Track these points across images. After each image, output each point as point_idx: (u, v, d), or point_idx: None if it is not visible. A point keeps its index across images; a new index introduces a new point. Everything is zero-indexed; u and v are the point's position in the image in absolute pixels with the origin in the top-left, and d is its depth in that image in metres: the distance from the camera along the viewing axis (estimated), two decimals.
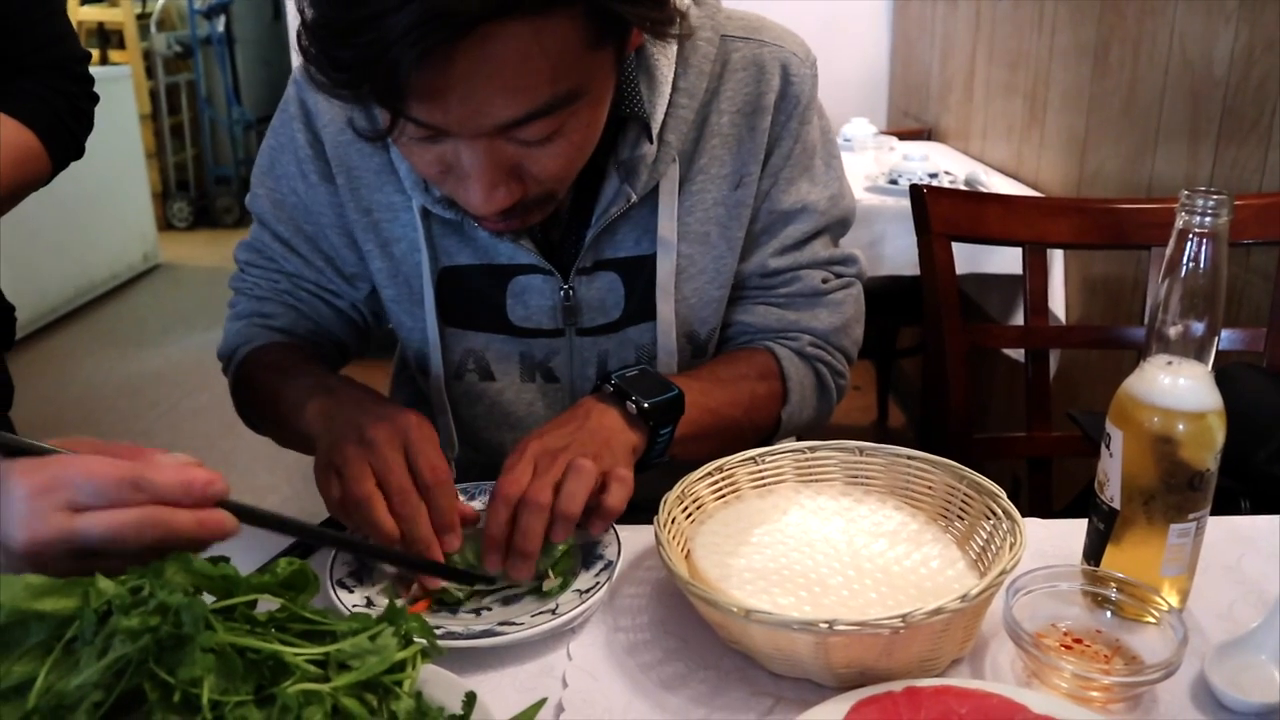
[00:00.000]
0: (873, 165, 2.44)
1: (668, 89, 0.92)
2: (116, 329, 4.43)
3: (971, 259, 2.11)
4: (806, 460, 0.86)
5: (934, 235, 1.30)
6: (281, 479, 3.00)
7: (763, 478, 0.85)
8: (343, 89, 0.69)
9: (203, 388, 3.61)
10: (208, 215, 6.16)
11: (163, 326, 4.37)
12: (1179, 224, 0.67)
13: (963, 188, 2.26)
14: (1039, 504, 1.41)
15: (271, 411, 0.98)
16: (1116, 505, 0.72)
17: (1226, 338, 1.35)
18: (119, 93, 5.06)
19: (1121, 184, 1.96)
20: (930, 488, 0.82)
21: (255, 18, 6.55)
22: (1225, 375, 1.12)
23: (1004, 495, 0.75)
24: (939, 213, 1.31)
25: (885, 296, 2.34)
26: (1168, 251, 0.68)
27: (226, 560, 0.57)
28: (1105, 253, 1.98)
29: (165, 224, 5.91)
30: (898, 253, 2.11)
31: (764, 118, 0.97)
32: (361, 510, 0.75)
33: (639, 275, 0.99)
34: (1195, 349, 0.69)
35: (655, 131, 0.91)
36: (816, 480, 0.86)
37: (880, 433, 3.24)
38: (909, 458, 0.83)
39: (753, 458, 0.85)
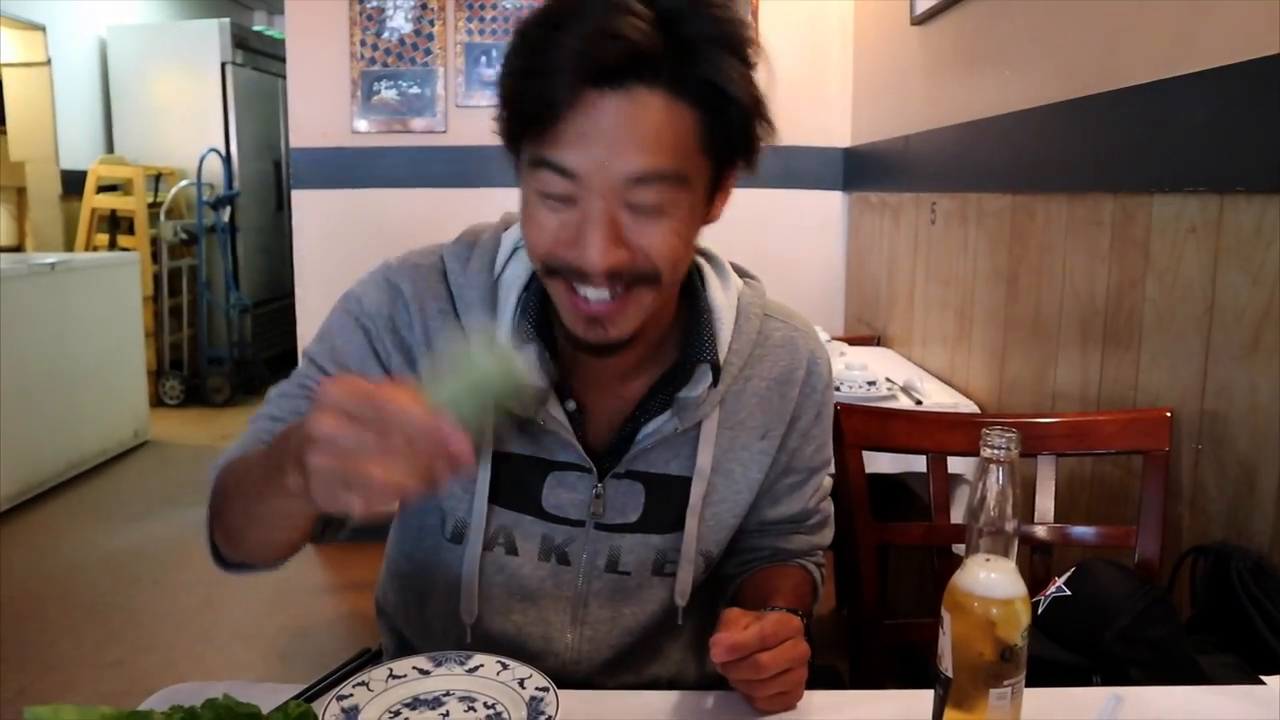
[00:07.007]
0: None
1: (726, 349, 1.14)
2: (103, 504, 4.55)
3: (911, 458, 2.32)
4: None
5: (847, 446, 1.52)
6: (258, 656, 3.10)
7: None
8: (532, 112, 0.93)
9: (184, 564, 3.70)
10: (198, 394, 6.38)
11: (147, 503, 4.48)
12: (982, 453, 0.88)
13: (899, 393, 2.51)
14: None
15: (238, 503, 0.97)
16: (950, 674, 0.90)
17: (1103, 534, 1.56)
18: (126, 277, 5.34)
19: (1032, 392, 2.20)
20: None
21: (260, 208, 6.98)
22: (1083, 568, 1.33)
23: None
24: (851, 426, 1.53)
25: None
26: (975, 474, 0.89)
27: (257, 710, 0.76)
28: None
29: (157, 400, 6.11)
30: None
31: (793, 388, 1.20)
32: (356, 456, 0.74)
33: (661, 490, 1.15)
34: (1003, 548, 0.89)
35: (715, 378, 1.12)
36: None
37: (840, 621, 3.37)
38: None
39: None
